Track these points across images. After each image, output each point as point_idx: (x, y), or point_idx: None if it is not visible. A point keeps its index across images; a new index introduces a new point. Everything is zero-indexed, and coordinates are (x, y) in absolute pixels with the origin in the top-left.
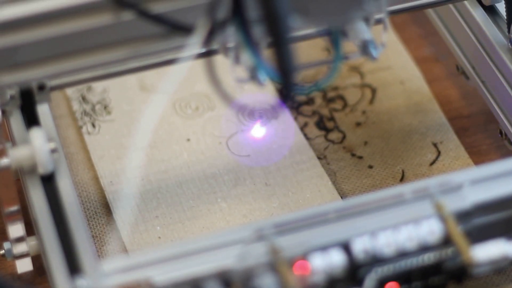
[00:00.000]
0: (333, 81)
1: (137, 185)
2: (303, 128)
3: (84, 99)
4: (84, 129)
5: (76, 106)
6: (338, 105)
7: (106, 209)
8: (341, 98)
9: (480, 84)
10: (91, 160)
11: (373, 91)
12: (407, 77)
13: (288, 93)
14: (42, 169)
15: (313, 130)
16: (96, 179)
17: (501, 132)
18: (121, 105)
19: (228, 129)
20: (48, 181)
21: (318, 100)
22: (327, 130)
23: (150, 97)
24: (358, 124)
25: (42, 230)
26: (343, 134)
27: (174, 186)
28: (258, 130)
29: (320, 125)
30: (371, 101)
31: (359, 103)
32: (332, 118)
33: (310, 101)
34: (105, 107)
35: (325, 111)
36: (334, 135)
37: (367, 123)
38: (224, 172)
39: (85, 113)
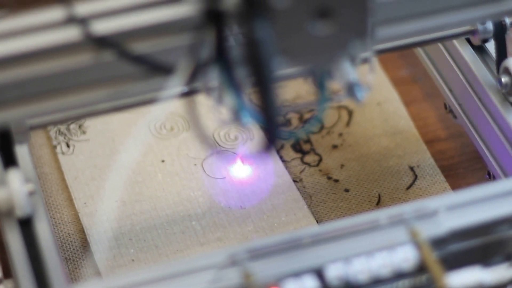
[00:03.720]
0: (320, 123)
1: (111, 207)
2: (279, 150)
3: (60, 124)
4: (58, 149)
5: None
6: (314, 127)
7: (80, 231)
8: (319, 123)
9: (468, 124)
10: (65, 181)
11: (350, 113)
12: (384, 99)
13: (272, 136)
14: (20, 212)
15: (289, 153)
16: (70, 200)
17: (489, 174)
18: (96, 124)
19: (203, 151)
20: (26, 224)
21: (295, 122)
22: (303, 153)
23: (125, 117)
24: (335, 147)
25: (18, 274)
26: (319, 157)
27: (148, 208)
28: (240, 171)
29: (296, 147)
30: (348, 123)
31: (336, 125)
32: (308, 141)
33: (286, 123)
34: (80, 127)
35: (301, 133)
36: (310, 158)
37: (343, 145)
38: (199, 194)
39: (59, 132)
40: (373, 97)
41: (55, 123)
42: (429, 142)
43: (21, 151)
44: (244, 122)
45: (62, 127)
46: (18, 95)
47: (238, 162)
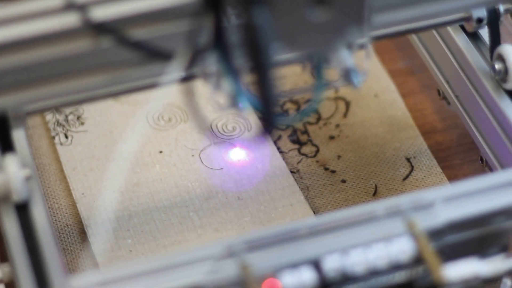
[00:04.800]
0: (317, 109)
1: (109, 197)
2: (276, 141)
3: (57, 109)
4: (56, 140)
5: (49, 116)
6: (312, 118)
7: (78, 221)
8: (315, 111)
9: (462, 110)
10: (63, 171)
11: (347, 104)
12: (382, 90)
13: (269, 122)
14: (16, 197)
15: (286, 144)
16: (68, 190)
17: (481, 159)
18: (94, 116)
19: (201, 142)
20: (23, 209)
21: (292, 113)
22: (301, 144)
23: (123, 108)
24: (332, 138)
25: (14, 258)
26: (316, 148)
27: (146, 199)
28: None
29: (294, 138)
30: (345, 114)
31: (333, 116)
32: (305, 132)
33: (283, 114)
34: (78, 118)
35: (298, 124)
36: (307, 149)
37: (340, 136)
38: (196, 185)
39: (58, 123)
40: (370, 88)
41: (51, 108)
42: (425, 134)
43: (18, 137)
44: (242, 108)
45: (61, 118)
46: (16, 81)
47: (237, 148)
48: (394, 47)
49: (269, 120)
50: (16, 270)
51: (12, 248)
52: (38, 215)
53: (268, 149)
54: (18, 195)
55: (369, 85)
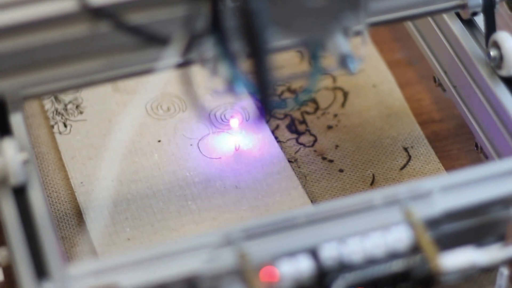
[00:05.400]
0: (312, 94)
1: (107, 186)
2: (274, 130)
3: (56, 98)
4: (55, 129)
5: (48, 105)
6: (310, 108)
7: (76, 210)
8: (313, 101)
9: (457, 97)
10: (62, 160)
11: (345, 94)
12: (379, 81)
13: (265, 106)
14: (14, 180)
15: (284, 133)
16: (66, 179)
17: (476, 145)
18: (93, 105)
19: (199, 131)
20: (20, 192)
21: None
22: (299, 133)
23: (122, 97)
24: (330, 128)
25: (12, 241)
26: (314, 138)
27: (144, 187)
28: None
29: (292, 128)
30: (343, 104)
31: (331, 106)
32: (303, 121)
33: (280, 99)
34: (77, 107)
35: (296, 114)
36: (305, 138)
37: (338, 126)
38: (194, 174)
39: (57, 112)
40: (368, 79)
41: (49, 93)
42: (423, 124)
43: (16, 121)
44: (238, 92)
45: (60, 108)
46: (14, 65)
47: (235, 137)
48: (392, 38)
49: (265, 104)
50: (14, 253)
51: (9, 231)
52: (35, 197)
53: (266, 139)
54: (15, 178)
55: (367, 76)
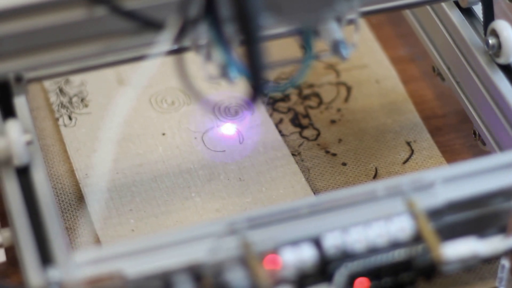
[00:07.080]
0: (304, 79)
1: (112, 178)
2: (278, 124)
3: (61, 91)
4: (60, 121)
5: (53, 98)
6: (313, 102)
7: (81, 201)
8: (317, 95)
9: (455, 85)
10: (67, 153)
11: (349, 89)
12: (383, 76)
13: (258, 91)
14: (17, 161)
15: (288, 127)
16: (71, 171)
17: (474, 133)
18: (98, 98)
19: (203, 124)
20: (23, 173)
21: (294, 97)
22: (302, 127)
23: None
24: (333, 122)
25: (15, 221)
26: (317, 131)
27: (149, 180)
28: (229, 128)
29: (295, 122)
30: (346, 99)
31: (334, 100)
32: (307, 115)
33: (285, 98)
34: (82, 100)
35: (300, 108)
36: (308, 132)
37: (342, 120)
38: (198, 167)
39: (62, 105)
40: (372, 74)
41: (51, 77)
42: (426, 119)
43: (20, 103)
44: (232, 77)
45: (65, 100)
46: (16, 48)
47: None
48: (396, 35)
49: (258, 88)
50: (17, 233)
51: (13, 211)
52: (38, 178)
53: (270, 132)
54: (19, 159)
55: (370, 71)
